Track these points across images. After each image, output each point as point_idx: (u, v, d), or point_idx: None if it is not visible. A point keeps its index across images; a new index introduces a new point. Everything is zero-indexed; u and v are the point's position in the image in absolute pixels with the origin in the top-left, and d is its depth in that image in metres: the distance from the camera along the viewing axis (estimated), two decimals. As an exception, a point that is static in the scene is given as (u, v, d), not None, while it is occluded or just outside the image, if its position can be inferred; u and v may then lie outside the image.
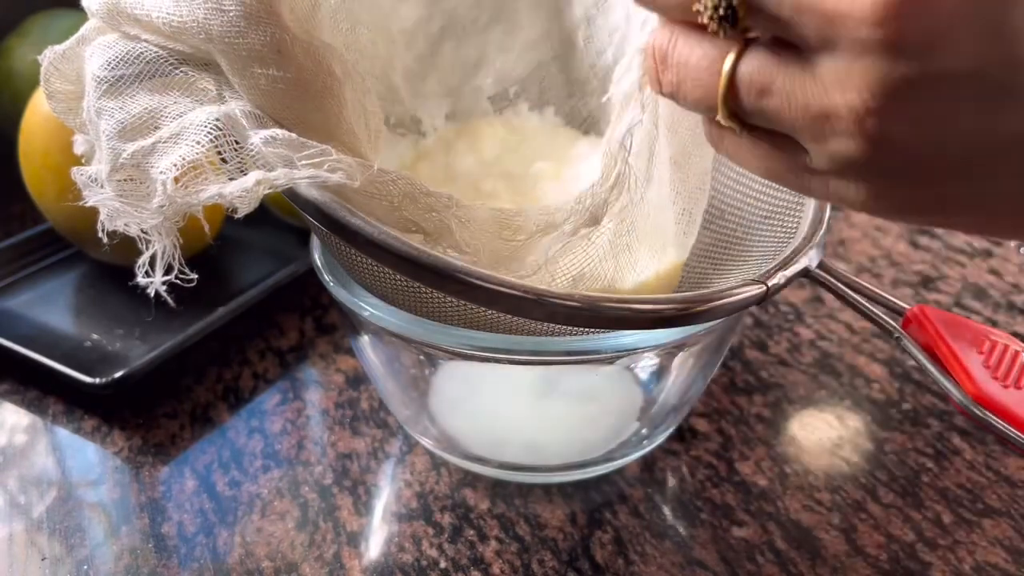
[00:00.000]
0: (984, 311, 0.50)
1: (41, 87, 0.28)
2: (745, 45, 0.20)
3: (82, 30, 0.28)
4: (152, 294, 0.25)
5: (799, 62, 0.19)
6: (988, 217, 0.21)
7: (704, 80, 0.21)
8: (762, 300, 0.28)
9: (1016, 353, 0.27)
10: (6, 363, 0.45)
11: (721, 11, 0.20)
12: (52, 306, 0.49)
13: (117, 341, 0.46)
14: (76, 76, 0.28)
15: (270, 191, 0.24)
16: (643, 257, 0.32)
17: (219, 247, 0.53)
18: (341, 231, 0.25)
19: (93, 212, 0.26)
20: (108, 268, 0.52)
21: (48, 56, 0.28)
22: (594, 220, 0.29)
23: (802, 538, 0.36)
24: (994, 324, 0.49)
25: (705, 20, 0.20)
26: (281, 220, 0.54)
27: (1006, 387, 0.26)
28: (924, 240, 0.57)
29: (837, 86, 0.19)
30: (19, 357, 0.44)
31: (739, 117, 0.21)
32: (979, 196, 0.20)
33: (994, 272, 0.54)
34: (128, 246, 0.26)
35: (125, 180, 0.25)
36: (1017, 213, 0.20)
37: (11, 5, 0.61)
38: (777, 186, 0.36)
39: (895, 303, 0.29)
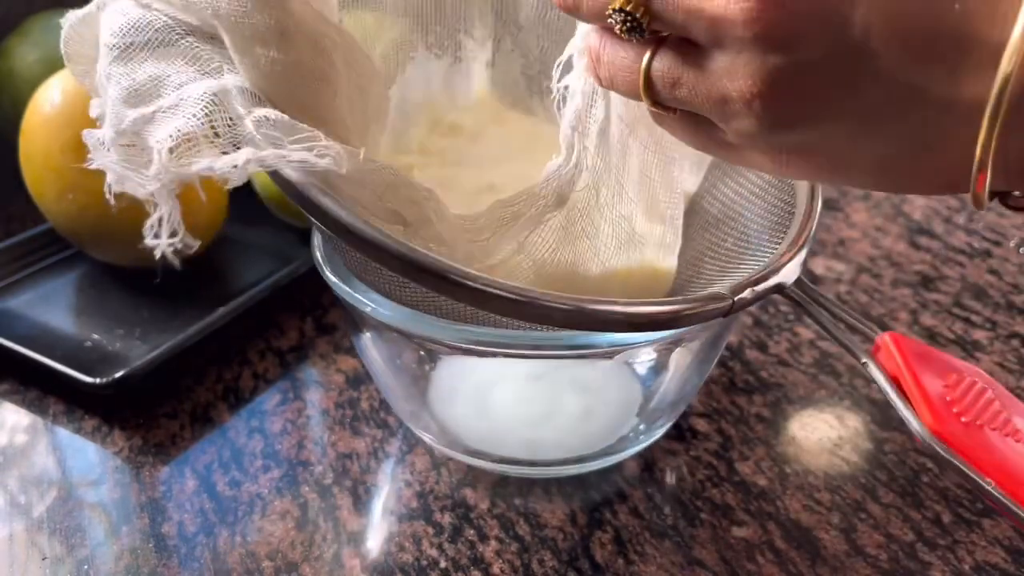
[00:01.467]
0: (984, 311, 0.50)
1: (61, 49, 0.29)
2: (658, 45, 0.24)
3: None
4: (160, 256, 0.26)
5: (699, 58, 0.23)
6: (877, 174, 0.24)
7: (628, 77, 0.25)
8: (726, 314, 0.29)
9: (983, 390, 0.27)
10: (6, 363, 0.45)
11: (628, 24, 0.23)
12: (52, 306, 0.49)
13: (117, 341, 0.46)
14: (94, 40, 0.28)
15: (259, 170, 0.25)
16: (606, 247, 0.32)
17: (219, 247, 0.53)
18: (319, 215, 0.26)
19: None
20: (108, 268, 0.52)
21: (69, 20, 0.29)
22: (560, 201, 0.30)
23: (802, 538, 0.36)
24: (994, 324, 0.49)
25: (618, 31, 0.24)
26: (281, 220, 0.54)
27: (964, 424, 0.26)
28: (924, 240, 0.57)
29: (727, 76, 0.22)
30: (19, 357, 0.44)
31: (662, 104, 0.25)
32: (861, 156, 0.23)
33: (994, 272, 0.54)
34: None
35: (128, 146, 0.26)
36: (899, 169, 0.23)
37: (11, 5, 0.61)
38: (772, 196, 0.36)
39: (866, 329, 0.29)
